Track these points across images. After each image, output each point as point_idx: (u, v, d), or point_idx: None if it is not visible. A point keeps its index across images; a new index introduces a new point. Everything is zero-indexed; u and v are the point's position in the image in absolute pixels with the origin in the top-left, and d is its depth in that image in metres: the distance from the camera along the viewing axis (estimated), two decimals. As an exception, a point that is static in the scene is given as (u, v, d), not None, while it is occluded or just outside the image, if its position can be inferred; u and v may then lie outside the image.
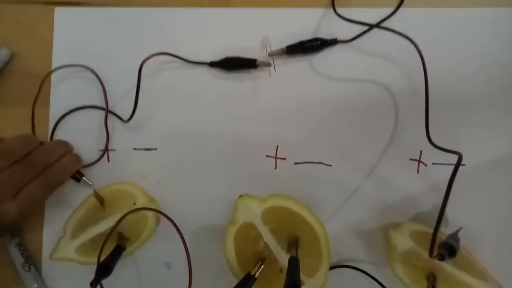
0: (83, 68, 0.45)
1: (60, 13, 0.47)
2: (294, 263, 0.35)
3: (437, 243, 0.37)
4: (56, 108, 0.46)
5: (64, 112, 0.46)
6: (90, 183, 0.43)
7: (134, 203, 0.41)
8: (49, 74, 0.45)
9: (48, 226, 0.45)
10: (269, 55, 0.43)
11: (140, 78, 0.42)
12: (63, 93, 0.46)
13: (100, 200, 0.42)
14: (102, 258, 0.37)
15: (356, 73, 0.43)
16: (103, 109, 0.46)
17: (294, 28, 0.44)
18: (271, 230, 0.39)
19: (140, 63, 0.42)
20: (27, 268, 0.42)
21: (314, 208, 0.42)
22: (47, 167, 0.37)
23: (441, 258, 0.32)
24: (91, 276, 0.36)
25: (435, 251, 0.34)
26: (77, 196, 0.44)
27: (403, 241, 0.39)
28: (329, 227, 0.40)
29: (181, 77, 0.45)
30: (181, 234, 0.38)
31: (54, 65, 0.47)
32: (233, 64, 0.43)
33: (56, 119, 0.46)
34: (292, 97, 0.44)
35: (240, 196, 0.40)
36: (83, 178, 0.43)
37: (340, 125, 0.43)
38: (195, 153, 0.44)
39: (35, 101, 0.45)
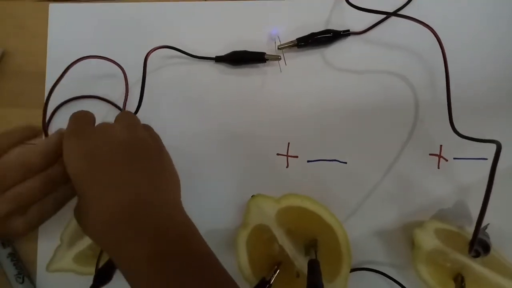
0: (103, 60, 0.41)
1: (55, 9, 0.45)
2: (314, 266, 0.32)
3: (464, 241, 0.35)
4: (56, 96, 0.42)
5: (63, 100, 0.43)
6: None
7: None
8: (77, 61, 0.39)
9: (43, 236, 0.42)
10: (278, 48, 0.41)
11: (146, 72, 0.39)
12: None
13: None
14: (101, 264, 0.34)
15: (370, 65, 0.42)
16: (107, 101, 0.43)
17: (304, 19, 0.42)
18: (287, 232, 0.36)
19: (143, 59, 0.39)
20: (20, 280, 0.39)
21: (329, 208, 0.39)
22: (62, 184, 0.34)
23: (476, 255, 0.29)
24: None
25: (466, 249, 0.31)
26: (75, 203, 0.40)
27: (428, 240, 0.36)
28: (347, 228, 0.38)
29: (185, 73, 0.43)
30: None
31: (49, 62, 0.44)
32: (240, 59, 0.41)
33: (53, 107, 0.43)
34: (304, 92, 0.42)
35: (253, 196, 0.37)
36: None
37: (355, 120, 0.41)
38: (200, 153, 0.42)
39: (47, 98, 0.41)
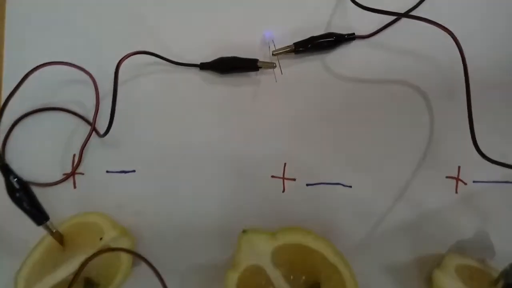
0: (69, 68, 0.36)
1: (13, 4, 0.39)
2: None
3: (488, 278, 0.31)
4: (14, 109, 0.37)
5: (22, 113, 0.37)
6: (54, 230, 0.34)
7: (101, 238, 0.33)
8: (38, 67, 0.34)
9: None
10: (273, 54, 0.36)
11: (117, 82, 0.33)
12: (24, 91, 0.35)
13: (60, 238, 0.34)
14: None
15: (379, 73, 0.37)
16: (75, 114, 0.38)
17: (302, 21, 0.37)
18: (284, 275, 0.31)
19: (115, 65, 0.33)
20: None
21: (332, 240, 0.34)
22: None
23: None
24: None
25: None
26: (30, 237, 0.34)
27: (450, 283, 0.31)
28: (353, 264, 0.33)
29: (165, 82, 0.37)
30: (163, 281, 0.30)
31: (6, 65, 0.38)
32: (229, 66, 0.36)
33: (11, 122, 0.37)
34: (302, 104, 0.37)
35: (244, 231, 0.32)
36: (48, 223, 0.33)
37: (362, 137, 0.37)
38: (183, 176, 0.37)
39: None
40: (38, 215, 0.33)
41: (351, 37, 0.36)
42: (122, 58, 0.34)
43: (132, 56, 0.34)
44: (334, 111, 0.37)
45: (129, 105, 0.37)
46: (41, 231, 0.33)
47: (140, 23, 0.38)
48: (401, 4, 0.37)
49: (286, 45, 0.36)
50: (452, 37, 0.32)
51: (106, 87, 0.36)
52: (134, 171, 0.37)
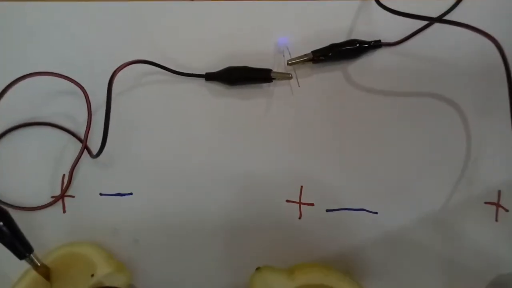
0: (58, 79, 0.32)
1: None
2: None
3: None
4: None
5: (6, 128, 0.34)
6: (39, 264, 0.30)
7: (92, 275, 0.30)
8: (22, 78, 0.31)
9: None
10: (288, 63, 0.33)
11: (111, 96, 0.29)
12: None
13: (46, 273, 0.30)
14: None
15: (408, 85, 0.34)
16: (65, 130, 0.34)
17: (321, 26, 0.34)
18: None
19: (109, 76, 0.30)
20: None
21: (357, 275, 0.30)
22: None
23: None
24: None
25: None
26: (13, 269, 0.31)
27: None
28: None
29: (166, 95, 0.34)
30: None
31: None
32: (239, 77, 0.33)
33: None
34: (322, 120, 0.34)
35: (258, 269, 0.28)
36: (31, 256, 0.29)
37: (389, 157, 0.33)
38: (186, 200, 0.34)
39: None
40: (20, 248, 0.29)
41: (376, 45, 0.33)
42: (118, 68, 0.30)
43: (129, 66, 0.31)
44: (358, 127, 0.34)
45: (126, 120, 0.34)
46: (24, 264, 0.30)
47: (138, 29, 0.35)
48: (431, 9, 0.33)
49: (303, 53, 0.33)
50: (494, 43, 0.28)
51: (99, 100, 0.33)
52: (131, 194, 0.34)
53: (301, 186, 0.33)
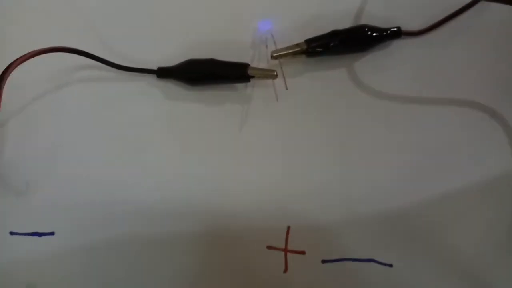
0: None
1: None
2: None
3: None
4: None
5: None
6: None
7: None
8: None
9: None
10: (272, 56, 0.26)
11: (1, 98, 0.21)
12: None
13: None
14: None
15: (435, 88, 0.27)
16: None
17: (317, 7, 0.28)
18: None
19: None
20: None
21: None
22: None
23: None
24: None
25: None
26: None
27: None
28: None
29: (103, 98, 0.28)
30: None
31: None
32: (203, 73, 0.27)
33: None
34: (318, 134, 0.27)
35: None
36: None
37: (407, 186, 0.26)
38: (130, 242, 0.27)
39: None
40: None
41: (394, 33, 0.26)
42: (17, 60, 0.22)
43: (45, 58, 0.23)
44: (367, 147, 0.27)
45: (47, 134, 0.27)
46: None
47: (70, 9, 0.28)
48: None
49: (294, 42, 0.27)
50: None
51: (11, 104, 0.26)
52: (53, 233, 0.27)
53: (288, 227, 0.26)
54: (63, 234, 0.27)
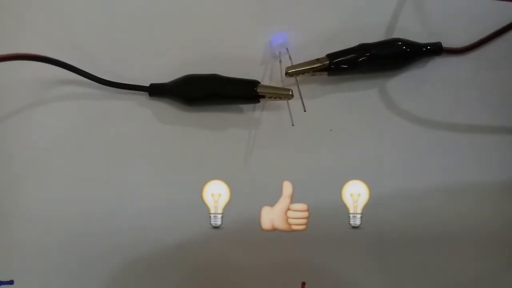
0: None
1: None
2: None
3: None
4: None
5: None
6: None
7: None
8: None
9: None
10: (287, 73, 0.23)
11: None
12: None
13: None
14: None
15: (479, 112, 0.24)
16: None
17: (341, 17, 0.25)
18: None
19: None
20: None
21: None
22: None
23: None
24: None
25: None
26: None
27: None
28: None
29: (85, 117, 0.25)
30: None
31: None
32: (204, 93, 0.24)
33: None
34: (343, 166, 0.24)
35: None
36: None
37: (448, 225, 0.22)
38: None
39: None
40: None
41: (434, 50, 0.24)
42: None
43: (25, 69, 0.22)
44: (400, 179, 0.23)
45: (12, 162, 0.24)
46: None
47: (54, 16, 0.25)
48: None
49: (313, 57, 0.23)
50: None
51: None
52: (11, 282, 0.24)
53: (303, 283, 0.22)
54: (23, 284, 0.22)
